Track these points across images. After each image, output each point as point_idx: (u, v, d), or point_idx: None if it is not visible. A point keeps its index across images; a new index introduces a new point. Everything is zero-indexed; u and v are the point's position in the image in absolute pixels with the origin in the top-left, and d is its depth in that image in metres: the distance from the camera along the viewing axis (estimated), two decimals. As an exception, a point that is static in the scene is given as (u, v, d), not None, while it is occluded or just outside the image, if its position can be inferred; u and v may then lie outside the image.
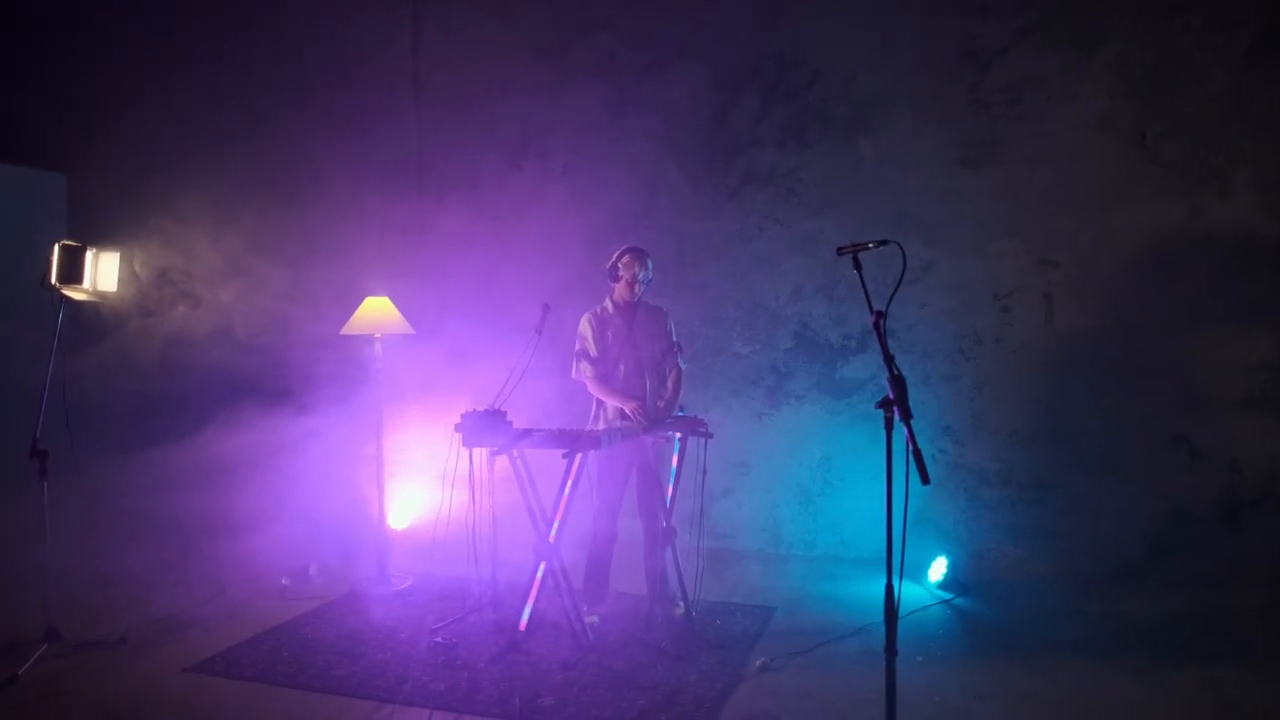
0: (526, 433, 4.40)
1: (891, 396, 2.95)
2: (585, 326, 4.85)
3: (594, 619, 4.77)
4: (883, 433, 5.68)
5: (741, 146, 6.24)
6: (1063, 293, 5.64)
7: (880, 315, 3.04)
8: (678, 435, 4.89)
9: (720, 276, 6.34)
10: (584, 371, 4.83)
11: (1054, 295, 5.66)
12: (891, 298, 3.23)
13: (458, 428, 4.46)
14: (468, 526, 4.45)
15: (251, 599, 5.10)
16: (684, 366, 4.94)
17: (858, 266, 3.48)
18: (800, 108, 6.10)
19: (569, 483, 4.44)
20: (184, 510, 5.24)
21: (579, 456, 4.39)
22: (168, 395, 6.09)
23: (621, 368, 4.80)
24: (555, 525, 4.51)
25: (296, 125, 6.81)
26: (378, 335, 5.42)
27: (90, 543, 4.76)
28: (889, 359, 3.01)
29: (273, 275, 6.42)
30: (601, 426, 4.73)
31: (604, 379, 4.81)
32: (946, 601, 5.22)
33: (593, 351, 4.83)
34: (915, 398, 5.76)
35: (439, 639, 4.46)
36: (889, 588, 3.06)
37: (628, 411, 4.64)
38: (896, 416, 3.01)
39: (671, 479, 4.98)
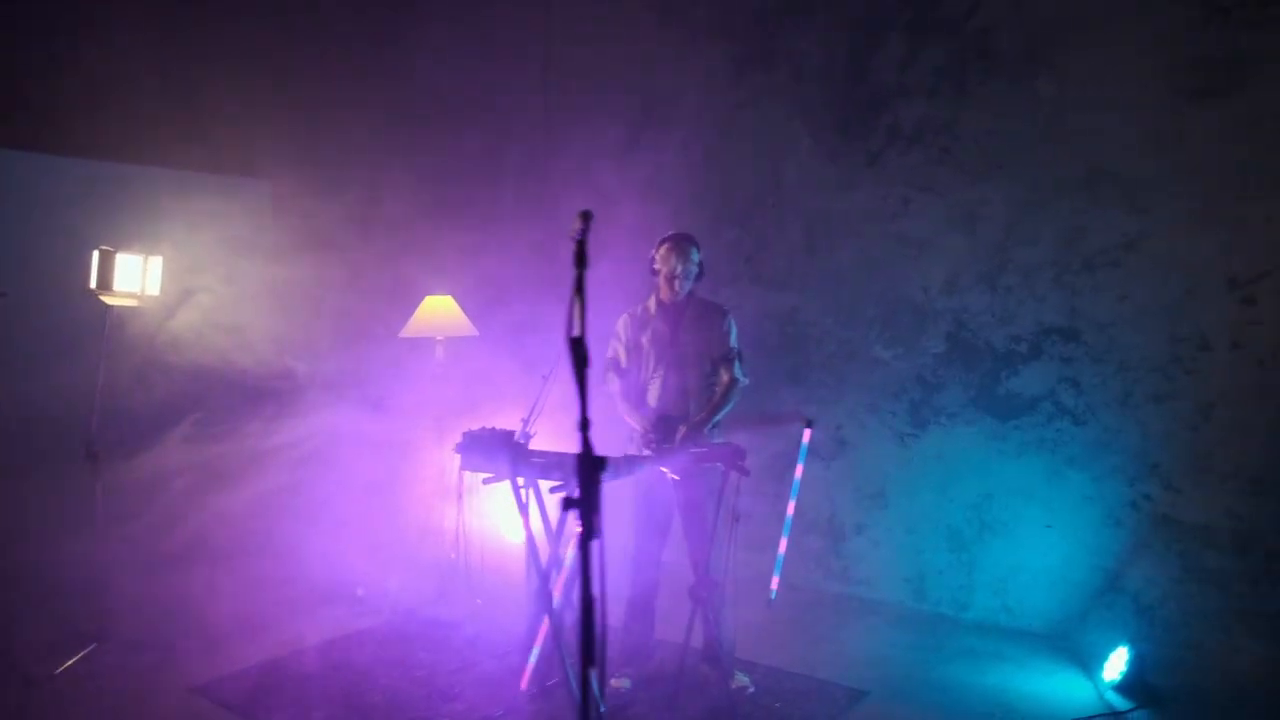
0: (516, 459, 3.67)
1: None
2: (620, 328, 4.03)
3: (624, 683, 3.95)
4: (1068, 470, 4.29)
5: (884, 99, 4.97)
6: (1342, 278, 3.82)
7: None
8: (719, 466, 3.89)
9: (856, 263, 5.14)
10: (611, 384, 4.02)
11: (1328, 282, 3.85)
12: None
13: (458, 448, 3.87)
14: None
15: (302, 612, 4.83)
16: (743, 380, 3.93)
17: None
18: (957, 44, 4.72)
19: (569, 524, 3.66)
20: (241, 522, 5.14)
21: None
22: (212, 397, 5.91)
23: (659, 381, 3.91)
24: (559, 576, 3.77)
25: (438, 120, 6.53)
26: (439, 338, 4.98)
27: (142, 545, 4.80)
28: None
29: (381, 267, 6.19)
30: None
31: (633, 394, 3.96)
32: (1120, 715, 3.73)
33: (623, 360, 3.99)
34: (1109, 422, 4.27)
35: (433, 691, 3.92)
36: None
37: (639, 433, 3.76)
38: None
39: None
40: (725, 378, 3.88)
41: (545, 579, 3.72)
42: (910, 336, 4.95)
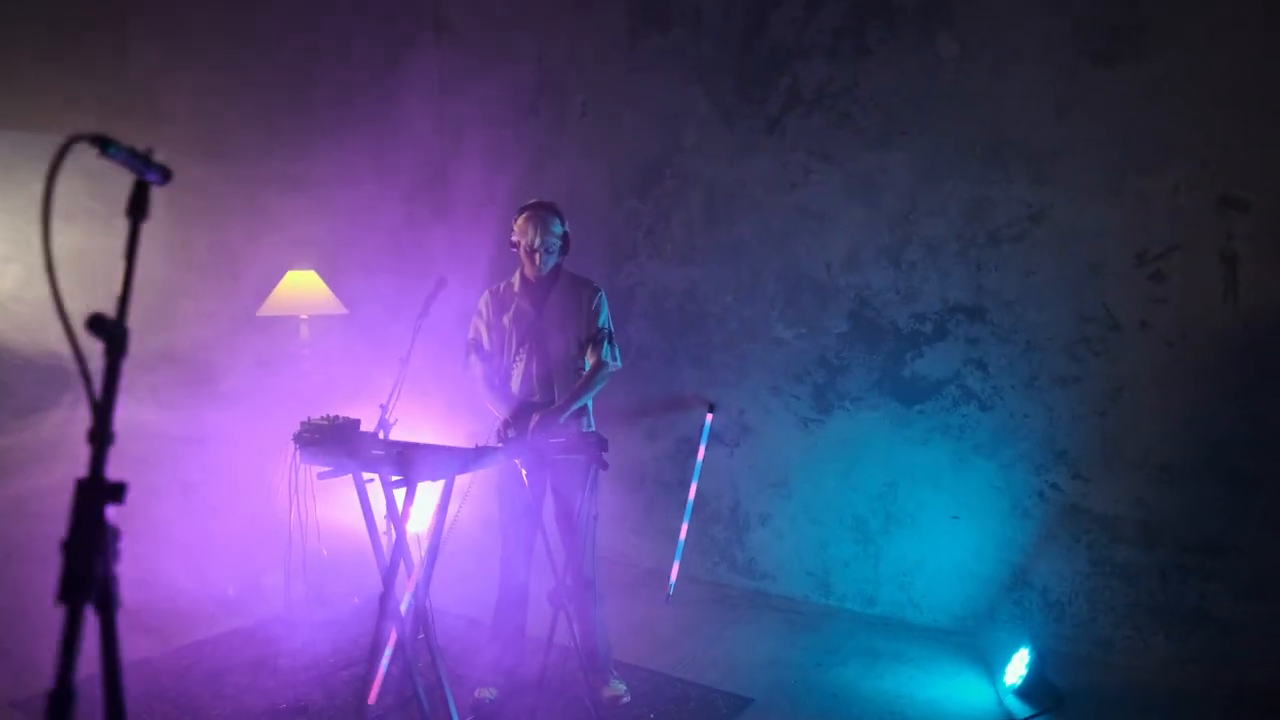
0: (354, 452, 3.30)
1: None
2: (481, 305, 3.66)
3: (489, 693, 3.61)
4: (974, 458, 4.02)
5: (783, 60, 4.62)
6: (1255, 251, 3.56)
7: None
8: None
9: (756, 237, 4.80)
10: (473, 368, 3.65)
11: (1239, 255, 3.58)
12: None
13: (295, 438, 3.48)
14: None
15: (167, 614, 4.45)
16: (613, 363, 3.58)
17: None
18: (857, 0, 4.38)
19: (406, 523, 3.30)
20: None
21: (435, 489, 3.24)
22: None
23: (521, 364, 3.55)
24: (413, 583, 3.41)
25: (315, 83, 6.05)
26: (304, 316, 4.56)
27: None
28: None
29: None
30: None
31: (495, 379, 3.60)
32: (1020, 722, 3.47)
33: (485, 342, 3.63)
34: (1015, 407, 4.01)
35: (282, 704, 3.55)
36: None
37: (500, 423, 3.40)
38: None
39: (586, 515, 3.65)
40: (592, 360, 3.53)
41: (389, 584, 3.36)
42: (812, 315, 4.63)
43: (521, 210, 3.47)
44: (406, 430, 4.17)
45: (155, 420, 4.52)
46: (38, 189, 1.21)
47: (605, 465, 3.23)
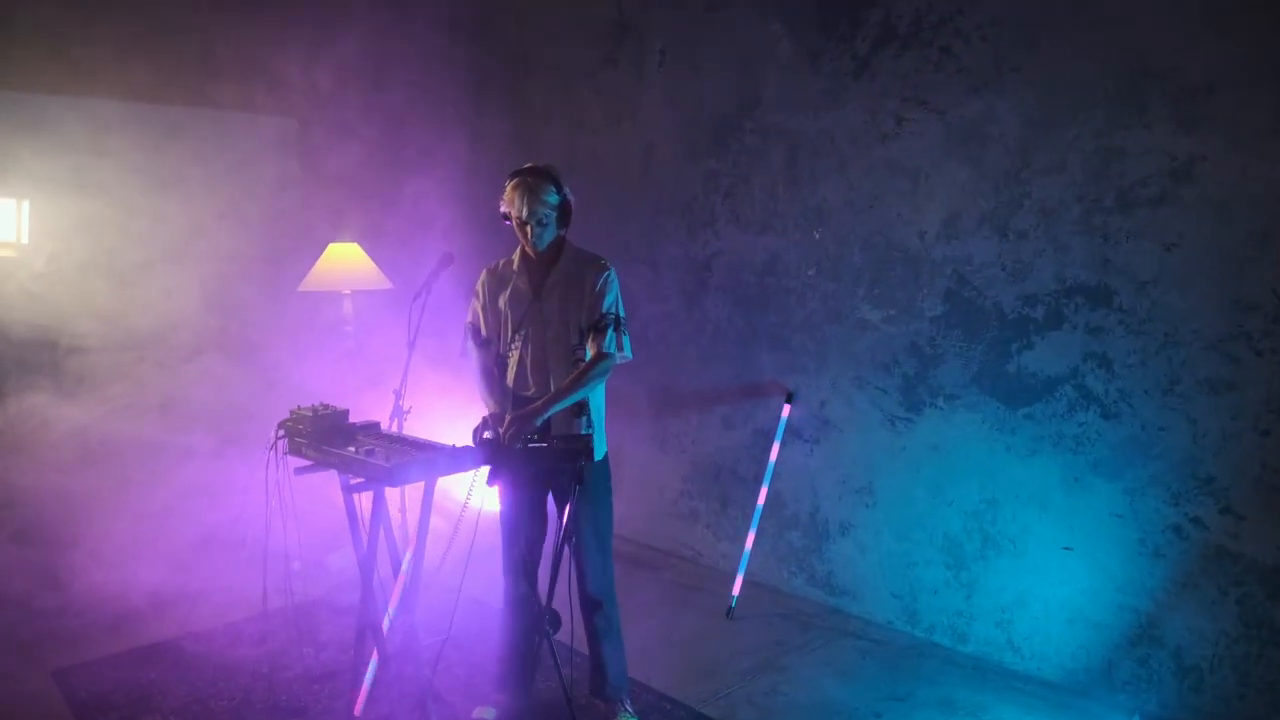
0: (331, 446, 3.00)
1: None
2: (479, 286, 3.25)
3: (487, 713, 3.28)
4: (1092, 478, 3.30)
5: (876, -14, 3.85)
6: None
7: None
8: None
9: (842, 199, 4.08)
10: (470, 356, 3.26)
11: None
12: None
13: (280, 425, 3.25)
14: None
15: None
16: (618, 354, 3.06)
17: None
18: (965, -98, 3.53)
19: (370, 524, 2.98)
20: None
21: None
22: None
23: (515, 353, 3.12)
24: (395, 597, 3.12)
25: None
26: (347, 292, 4.35)
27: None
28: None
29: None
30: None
31: (493, 369, 3.19)
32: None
33: (483, 328, 3.22)
34: (1149, 418, 3.18)
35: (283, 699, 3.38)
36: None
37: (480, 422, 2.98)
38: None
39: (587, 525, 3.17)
40: (593, 349, 3.03)
41: (369, 594, 3.08)
42: (903, 294, 3.88)
43: (511, 176, 3.01)
44: (422, 421, 3.88)
45: (204, 397, 4.50)
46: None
47: (580, 478, 2.74)
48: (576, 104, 5.29)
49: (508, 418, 2.83)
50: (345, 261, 4.30)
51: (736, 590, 4.25)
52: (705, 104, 4.61)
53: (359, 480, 2.88)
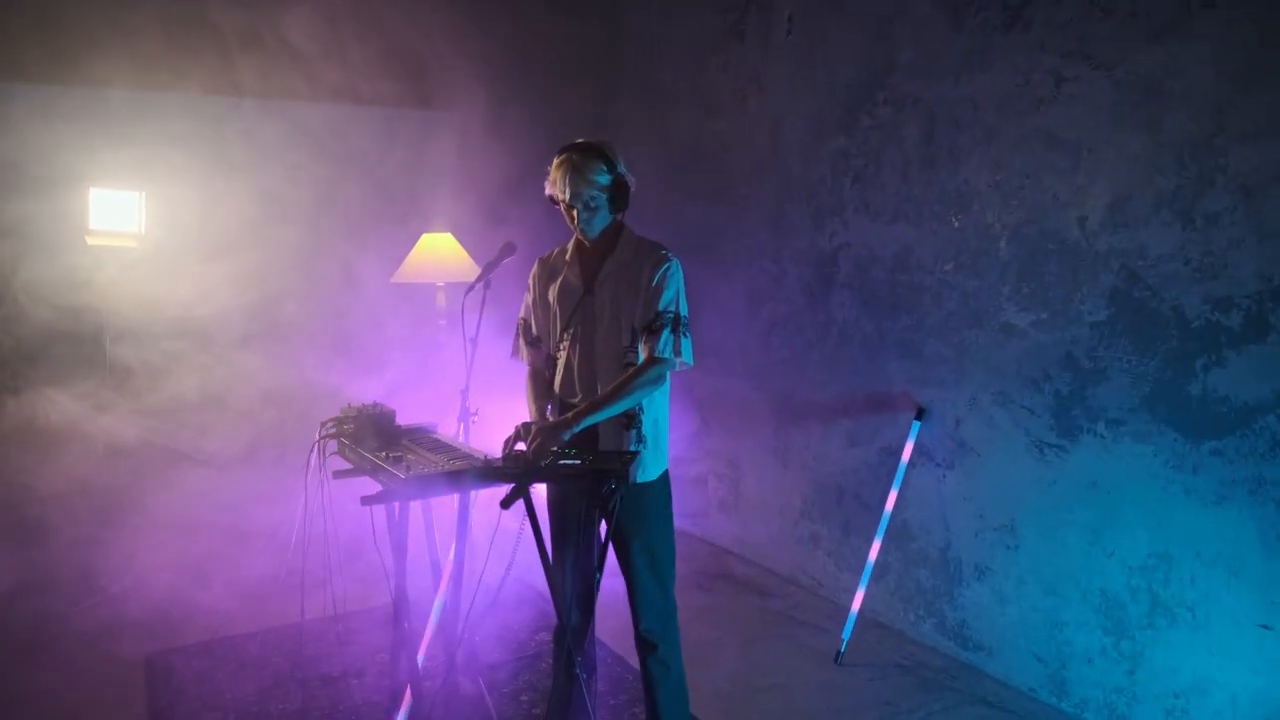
0: (365, 449, 2.75)
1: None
2: (531, 279, 2.90)
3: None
4: None
5: (1033, -82, 3.15)
6: None
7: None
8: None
9: (986, 179, 3.40)
10: (520, 355, 2.92)
11: None
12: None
13: (324, 425, 3.06)
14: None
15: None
16: (673, 359, 2.59)
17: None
18: None
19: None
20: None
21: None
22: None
23: (563, 355, 2.74)
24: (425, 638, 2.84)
25: None
26: (440, 284, 4.14)
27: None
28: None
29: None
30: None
31: (541, 371, 2.83)
32: None
33: (534, 325, 2.87)
34: None
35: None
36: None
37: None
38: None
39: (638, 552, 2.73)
40: (645, 353, 2.59)
41: (400, 627, 2.80)
42: (1058, 294, 3.17)
43: (558, 154, 2.63)
44: (490, 424, 3.59)
45: (293, 387, 4.44)
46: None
47: (602, 506, 2.31)
48: (704, 83, 4.86)
49: (534, 428, 2.45)
50: (439, 252, 4.09)
51: (847, 634, 3.68)
52: (834, 73, 4.04)
53: (376, 491, 2.62)
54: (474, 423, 3.47)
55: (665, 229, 5.16)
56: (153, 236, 4.20)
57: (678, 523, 3.77)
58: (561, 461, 2.42)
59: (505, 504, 2.29)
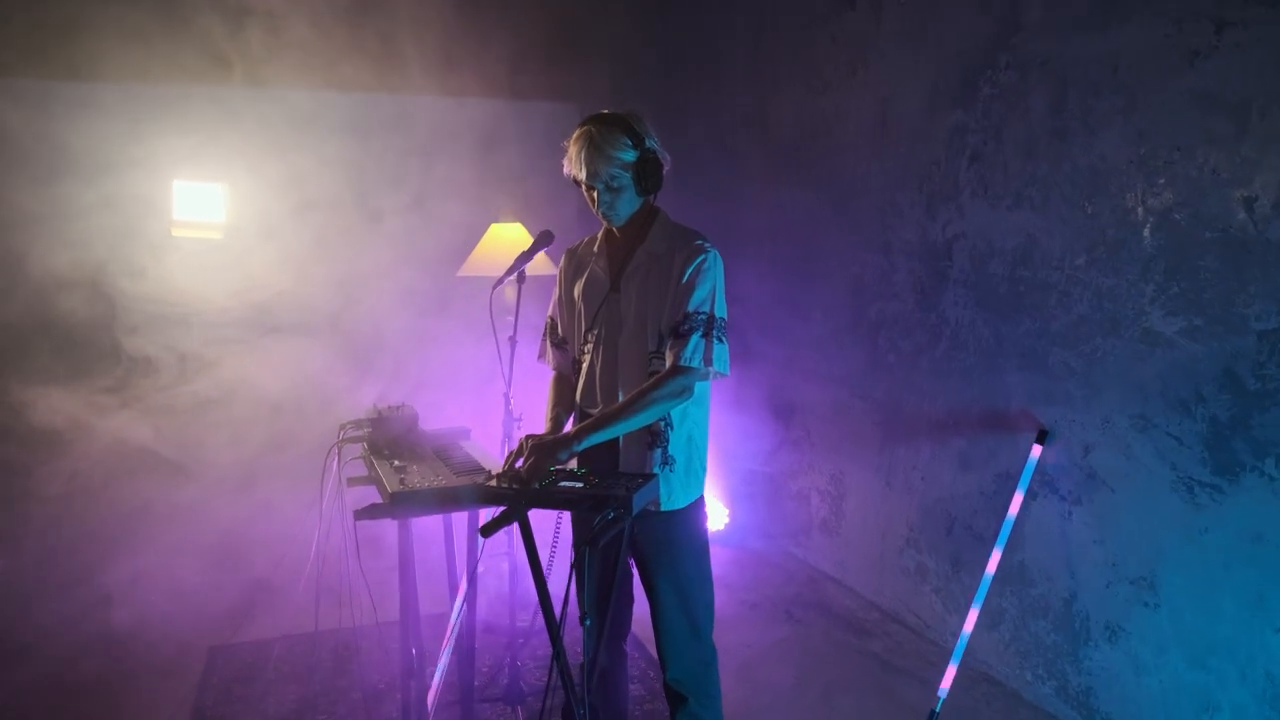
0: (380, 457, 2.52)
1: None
2: (560, 273, 2.57)
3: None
4: None
5: None
6: None
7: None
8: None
9: (1127, 154, 2.78)
10: (546, 357, 2.59)
11: None
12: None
13: (342, 428, 2.86)
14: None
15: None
16: (701, 367, 2.17)
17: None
18: None
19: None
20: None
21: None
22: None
23: (587, 359, 2.39)
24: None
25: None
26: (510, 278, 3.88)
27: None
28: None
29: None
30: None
31: (566, 376, 2.50)
32: None
33: (560, 324, 2.54)
34: None
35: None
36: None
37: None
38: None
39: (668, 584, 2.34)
40: (671, 358, 2.20)
41: (406, 652, 2.55)
42: (1217, 294, 2.54)
43: (578, 127, 2.28)
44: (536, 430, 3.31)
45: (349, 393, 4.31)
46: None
47: (592, 537, 1.92)
48: (814, 60, 4.37)
49: (529, 444, 2.12)
50: (509, 244, 3.85)
51: (946, 685, 3.14)
52: (951, 37, 3.49)
53: (371, 505, 2.37)
54: (519, 429, 3.20)
55: (770, 219, 4.73)
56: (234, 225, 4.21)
57: (779, 542, 3.36)
58: (561, 484, 2.08)
59: (485, 531, 1.98)
